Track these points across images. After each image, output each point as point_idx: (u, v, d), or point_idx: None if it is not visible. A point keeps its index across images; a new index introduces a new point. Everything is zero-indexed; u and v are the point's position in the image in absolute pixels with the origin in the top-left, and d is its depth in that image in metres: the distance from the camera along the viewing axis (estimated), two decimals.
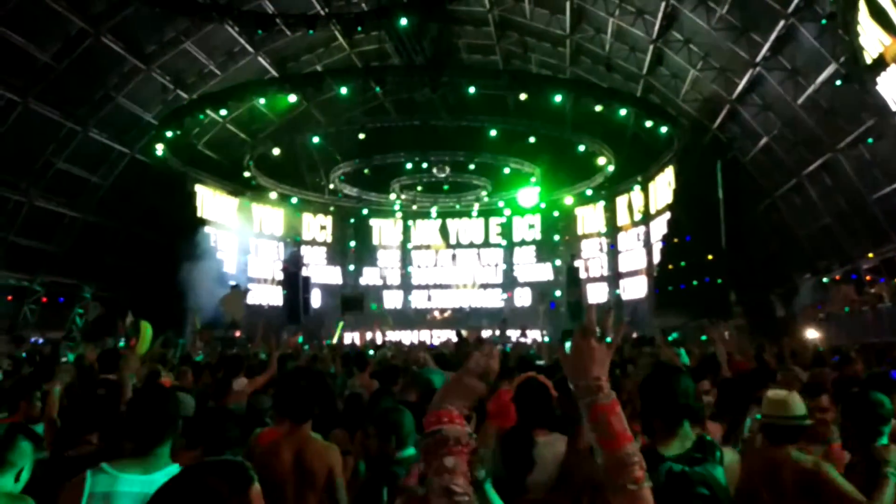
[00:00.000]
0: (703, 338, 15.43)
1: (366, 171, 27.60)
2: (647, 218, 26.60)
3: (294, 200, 28.80)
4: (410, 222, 32.72)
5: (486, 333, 24.29)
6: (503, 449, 3.94)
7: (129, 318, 8.79)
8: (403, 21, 18.24)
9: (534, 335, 23.99)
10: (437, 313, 30.57)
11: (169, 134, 20.66)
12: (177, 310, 18.05)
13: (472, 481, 1.90)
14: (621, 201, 28.35)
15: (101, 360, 7.96)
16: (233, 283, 23.81)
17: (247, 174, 25.98)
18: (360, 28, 19.23)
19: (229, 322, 21.53)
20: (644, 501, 1.67)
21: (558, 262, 30.39)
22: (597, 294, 28.67)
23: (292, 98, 21.43)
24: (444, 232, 32.69)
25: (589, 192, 28.76)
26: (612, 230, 29.05)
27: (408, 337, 28.43)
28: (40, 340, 18.32)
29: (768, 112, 19.14)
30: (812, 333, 14.97)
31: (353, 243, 31.60)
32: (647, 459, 2.60)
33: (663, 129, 21.30)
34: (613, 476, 1.69)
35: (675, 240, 25.71)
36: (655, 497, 1.94)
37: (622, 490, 1.67)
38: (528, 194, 27.89)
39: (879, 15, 12.61)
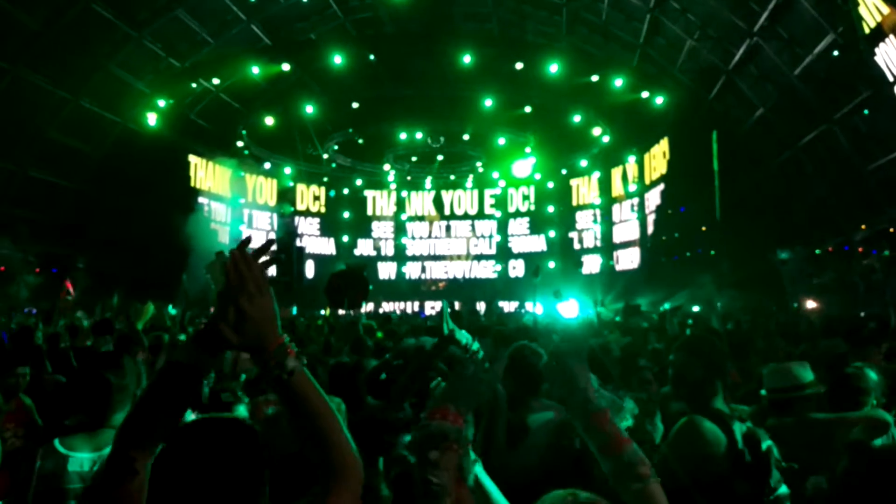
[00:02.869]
0: (697, 308, 15.54)
1: (360, 140, 27.42)
2: (642, 189, 26.57)
3: (287, 170, 28.64)
4: (404, 193, 32.61)
5: (480, 306, 24.39)
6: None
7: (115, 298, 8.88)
8: None
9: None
10: (439, 284, 30.61)
11: (161, 103, 20.44)
12: (170, 280, 18.01)
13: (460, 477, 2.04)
14: (616, 172, 28.27)
15: (95, 328, 8.01)
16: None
17: (240, 144, 25.80)
18: None
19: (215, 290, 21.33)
20: (653, 497, 1.74)
21: (552, 234, 30.42)
22: (591, 264, 28.71)
23: (285, 67, 21.26)
24: (438, 203, 32.61)
25: (584, 164, 28.71)
26: (607, 201, 29.01)
27: (401, 308, 28.53)
28: (34, 311, 18.28)
29: (765, 83, 19.06)
30: (811, 304, 15.09)
31: (346, 214, 31.51)
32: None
33: (659, 100, 21.18)
34: (621, 480, 1.78)
35: (669, 211, 25.74)
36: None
37: (630, 492, 1.75)
38: (523, 165, 27.81)
39: None
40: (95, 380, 2.82)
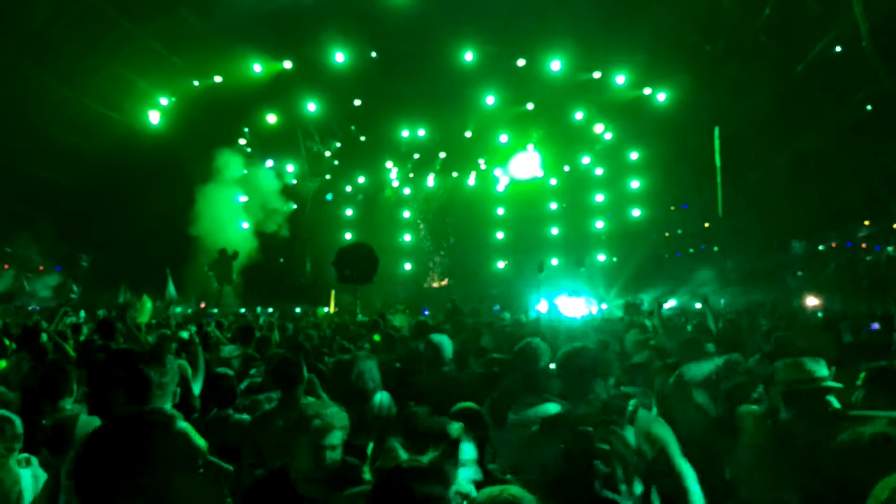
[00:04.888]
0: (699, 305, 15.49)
1: (362, 138, 27.41)
2: (644, 186, 26.54)
3: (290, 168, 28.61)
4: (407, 191, 32.53)
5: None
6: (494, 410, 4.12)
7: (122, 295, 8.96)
8: None
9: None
10: (441, 281, 30.61)
11: (163, 101, 20.43)
12: (174, 276, 18.02)
13: None
14: (619, 168, 28.19)
15: (100, 328, 8.05)
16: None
17: (242, 141, 25.79)
18: None
19: (219, 287, 21.40)
20: None
21: (555, 230, 30.32)
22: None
23: (287, 64, 21.26)
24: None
25: (586, 160, 28.62)
26: (611, 197, 28.94)
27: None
28: (37, 308, 18.35)
29: (768, 78, 19.01)
30: (812, 301, 15.08)
31: (349, 211, 31.47)
32: (559, 422, 2.92)
33: (661, 97, 21.13)
34: None
35: (672, 207, 25.71)
36: (563, 453, 2.53)
37: None
38: (527, 163, 27.77)
39: None
40: (135, 374, 3.03)
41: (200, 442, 1.58)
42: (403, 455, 2.79)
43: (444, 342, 5.52)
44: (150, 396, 2.98)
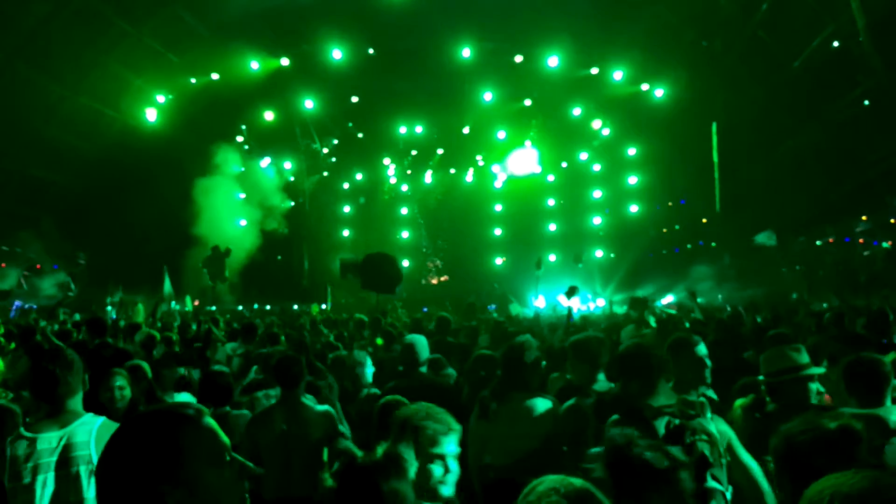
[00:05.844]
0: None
1: (359, 134, 27.37)
2: (642, 181, 26.54)
3: (287, 165, 28.56)
4: (404, 187, 32.50)
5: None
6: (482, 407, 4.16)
7: (118, 294, 9.01)
8: None
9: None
10: (441, 278, 30.61)
11: (160, 99, 20.37)
12: (171, 275, 18.03)
13: None
14: (617, 164, 28.20)
15: (89, 326, 8.07)
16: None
17: (239, 139, 25.74)
18: None
19: (212, 284, 21.39)
20: None
21: (552, 227, 30.31)
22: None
23: (284, 62, 21.23)
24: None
25: (584, 156, 28.62)
26: (608, 193, 28.95)
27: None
28: (33, 307, 18.32)
29: (766, 74, 19.03)
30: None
31: (347, 209, 31.44)
32: (636, 414, 2.83)
33: (659, 92, 21.11)
34: None
35: (670, 203, 25.70)
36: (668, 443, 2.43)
37: None
38: (524, 159, 27.76)
39: None
40: (41, 372, 3.25)
41: (226, 439, 1.58)
42: (358, 452, 2.75)
43: (419, 343, 5.35)
44: (57, 392, 3.22)
